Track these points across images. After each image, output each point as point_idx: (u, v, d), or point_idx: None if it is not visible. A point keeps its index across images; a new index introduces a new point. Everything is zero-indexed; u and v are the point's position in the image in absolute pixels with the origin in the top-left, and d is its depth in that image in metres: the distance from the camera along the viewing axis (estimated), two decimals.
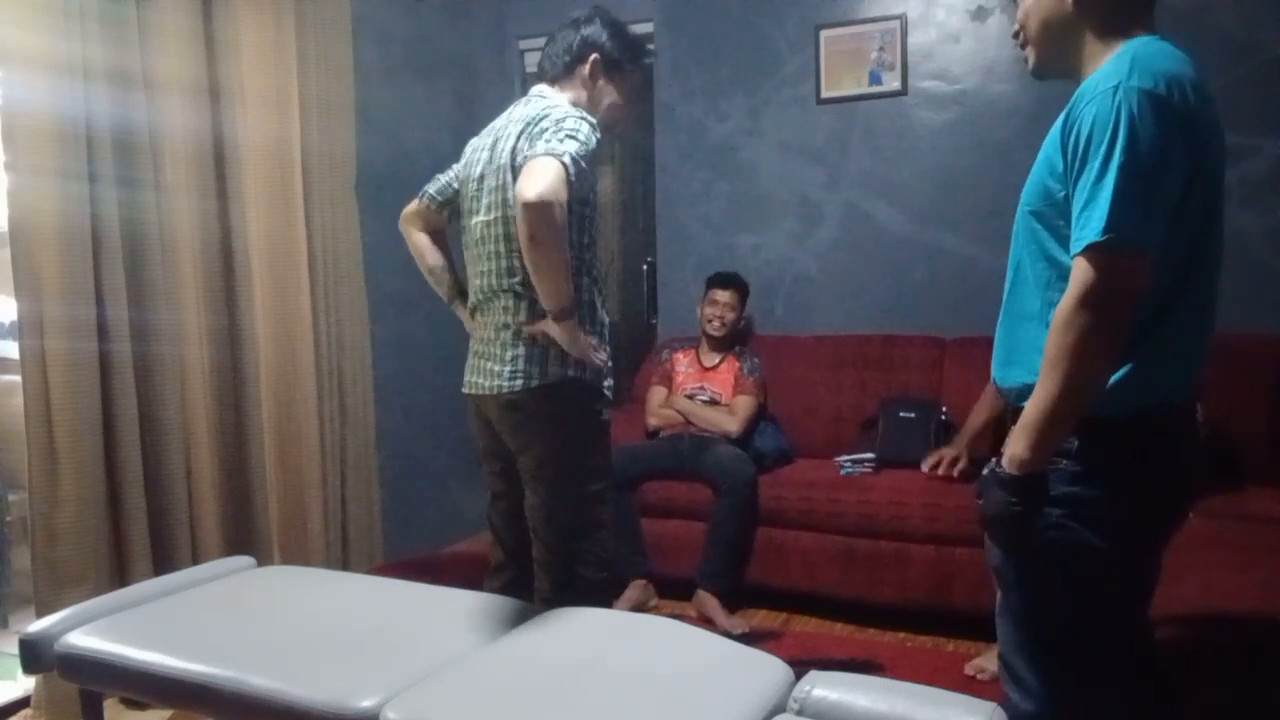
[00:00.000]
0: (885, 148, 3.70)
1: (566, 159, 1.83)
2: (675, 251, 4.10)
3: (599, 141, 1.96)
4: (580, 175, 1.87)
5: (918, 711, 1.40)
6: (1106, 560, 1.40)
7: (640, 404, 3.69)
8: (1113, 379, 1.34)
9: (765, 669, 1.61)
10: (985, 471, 1.47)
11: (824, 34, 3.73)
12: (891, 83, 3.66)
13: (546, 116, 1.94)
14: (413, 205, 2.27)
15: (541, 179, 1.79)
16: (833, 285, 3.83)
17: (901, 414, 3.33)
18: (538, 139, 1.89)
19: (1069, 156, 1.34)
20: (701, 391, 3.53)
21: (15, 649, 1.90)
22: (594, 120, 1.98)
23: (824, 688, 1.47)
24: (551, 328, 1.95)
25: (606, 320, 2.10)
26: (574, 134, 1.89)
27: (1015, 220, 1.50)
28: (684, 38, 3.98)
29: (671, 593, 3.26)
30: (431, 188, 2.25)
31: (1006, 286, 1.52)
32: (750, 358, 3.57)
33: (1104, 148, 1.27)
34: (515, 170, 1.97)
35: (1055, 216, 1.39)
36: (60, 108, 2.42)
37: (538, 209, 1.78)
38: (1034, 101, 3.35)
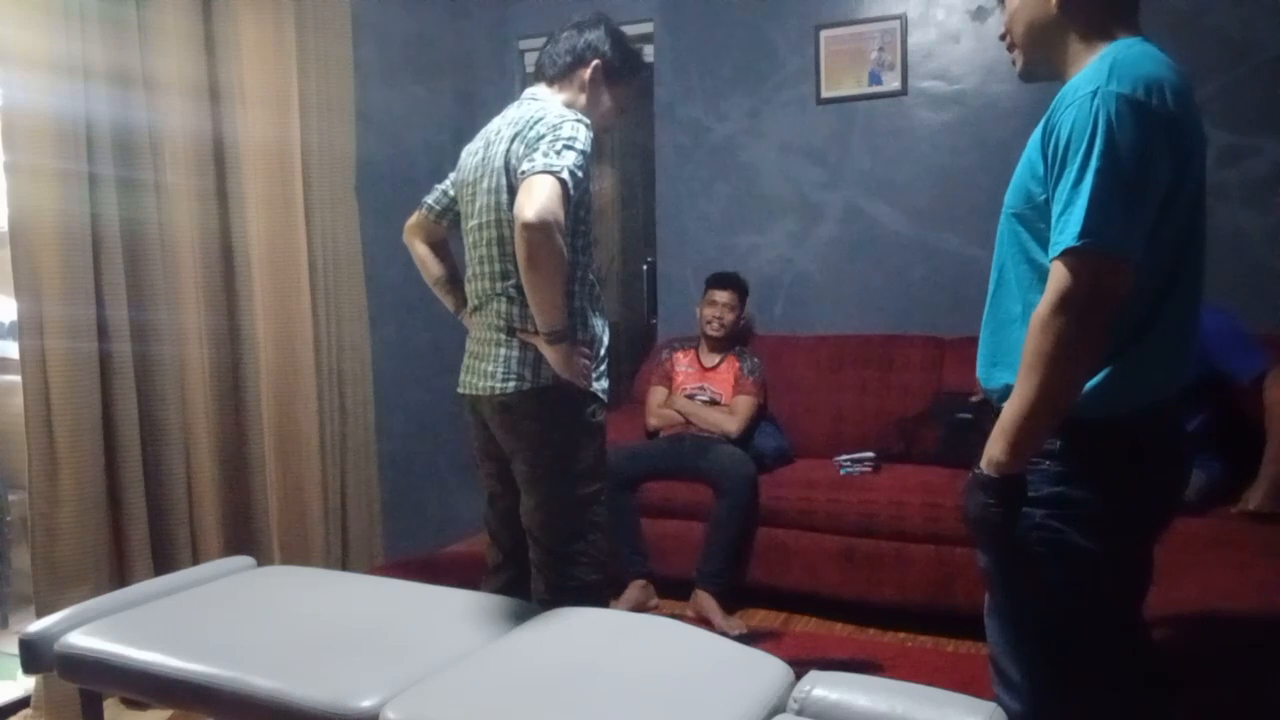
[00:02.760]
0: (885, 148, 3.70)
1: (565, 174, 1.82)
2: (675, 251, 4.10)
3: (591, 135, 1.95)
4: (578, 185, 1.86)
5: (918, 711, 1.40)
6: (1094, 560, 1.40)
7: (640, 404, 3.70)
8: (1098, 381, 1.35)
9: (765, 669, 1.61)
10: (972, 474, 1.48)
11: (824, 34, 3.73)
12: (891, 83, 3.66)
13: (541, 120, 1.93)
14: (413, 217, 2.27)
15: (540, 198, 1.78)
16: (833, 285, 3.83)
17: (959, 415, 3.21)
18: (535, 148, 1.88)
19: (1049, 160, 1.34)
20: (701, 391, 3.53)
21: (15, 649, 1.90)
22: (588, 121, 1.97)
23: (824, 688, 1.48)
24: (545, 348, 1.94)
25: (601, 327, 2.08)
26: (571, 143, 1.87)
27: (999, 222, 1.50)
28: (684, 38, 3.98)
29: (672, 593, 3.26)
30: (429, 198, 2.25)
31: (990, 288, 1.52)
32: (750, 358, 3.57)
33: (1082, 153, 1.27)
34: (509, 173, 1.96)
35: (1036, 219, 1.39)
36: (60, 108, 2.42)
37: (537, 230, 1.77)
38: (1034, 101, 3.35)
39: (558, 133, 1.89)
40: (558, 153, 1.85)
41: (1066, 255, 1.27)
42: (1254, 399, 2.55)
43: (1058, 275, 1.29)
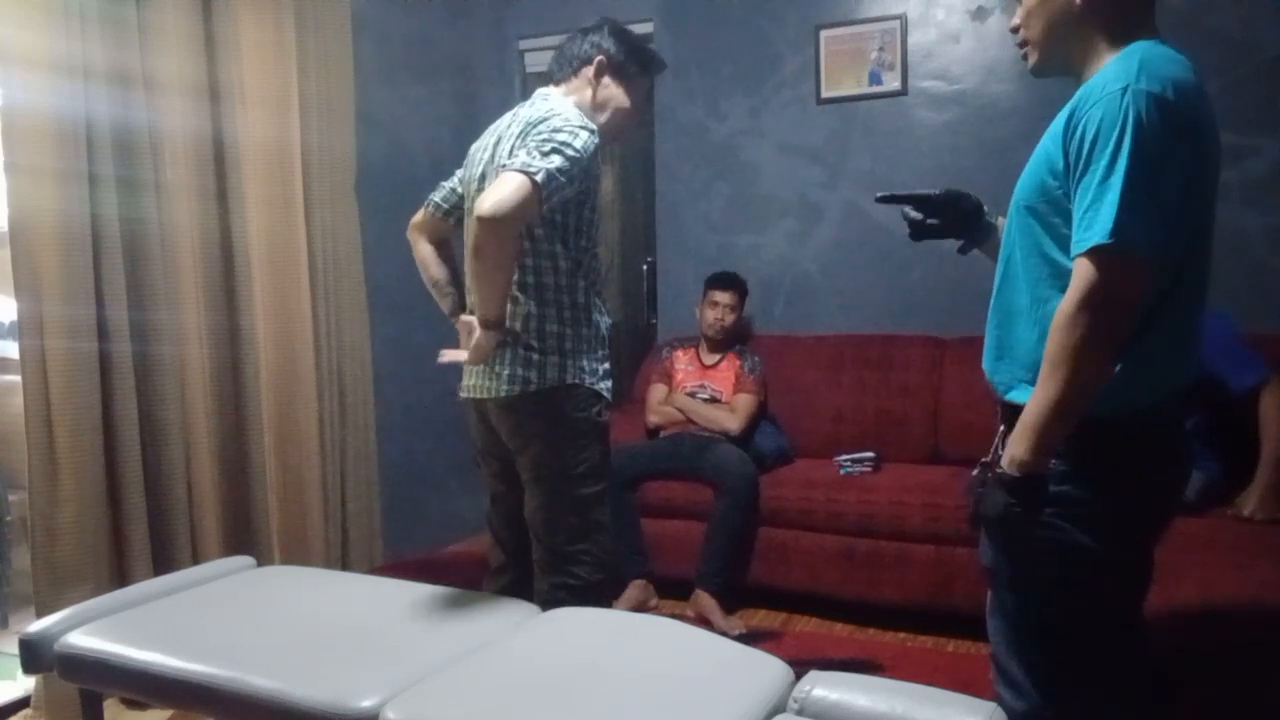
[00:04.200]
0: (885, 148, 3.70)
1: (540, 175, 1.80)
2: (675, 251, 4.10)
3: (597, 147, 1.95)
4: (559, 189, 1.85)
5: (918, 711, 1.40)
6: (1097, 559, 1.40)
7: (640, 404, 3.70)
8: None
9: (765, 669, 1.61)
10: (975, 472, 1.47)
11: (824, 34, 3.73)
12: (891, 83, 3.66)
13: (545, 121, 1.93)
14: (418, 215, 2.26)
15: (498, 193, 1.77)
16: (833, 285, 3.83)
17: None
18: (525, 147, 1.89)
19: (1071, 156, 1.34)
20: (702, 389, 3.53)
21: (15, 649, 1.90)
22: (593, 127, 1.97)
23: (824, 688, 1.47)
24: (475, 331, 1.94)
25: (604, 323, 2.10)
26: (562, 146, 1.86)
27: (1008, 215, 1.50)
28: (684, 38, 3.98)
29: (672, 593, 3.26)
30: (436, 195, 2.24)
31: (996, 281, 1.52)
32: (751, 356, 3.58)
33: (1110, 149, 1.27)
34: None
35: (1051, 214, 1.39)
36: (60, 108, 2.42)
37: (486, 224, 1.77)
38: (1034, 101, 3.35)
39: (554, 134, 1.88)
40: (543, 154, 1.84)
41: (1093, 253, 1.27)
42: (1249, 403, 2.56)
43: (1083, 272, 1.28)
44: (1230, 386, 2.54)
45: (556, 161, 1.84)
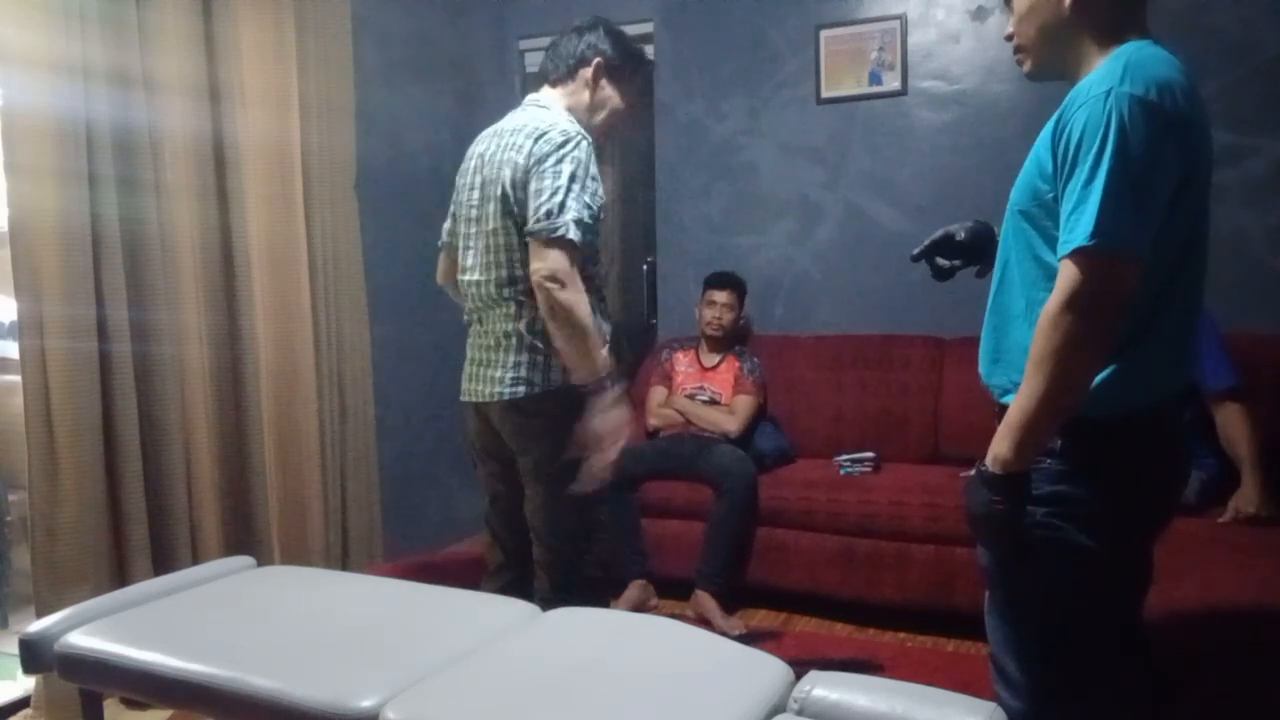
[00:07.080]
0: (885, 148, 3.70)
1: (572, 233, 1.88)
2: (675, 251, 4.10)
3: (593, 150, 1.98)
4: (588, 230, 1.92)
5: (918, 711, 1.40)
6: (1094, 559, 1.40)
7: (640, 404, 3.69)
8: (1100, 379, 1.35)
9: (765, 669, 1.60)
10: (972, 473, 1.47)
11: (824, 34, 3.73)
12: (891, 83, 3.66)
13: (545, 136, 1.95)
14: (441, 263, 2.30)
15: (547, 264, 1.88)
16: (833, 285, 3.83)
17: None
18: (540, 187, 1.92)
19: (1059, 159, 1.35)
20: (701, 391, 3.53)
21: (15, 649, 1.90)
22: (589, 137, 2.00)
23: (824, 688, 1.47)
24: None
25: (605, 326, 2.10)
26: (572, 181, 1.91)
27: (1004, 220, 1.51)
28: (684, 38, 3.98)
29: (672, 593, 3.26)
30: (445, 235, 2.27)
31: (993, 285, 1.53)
32: (750, 357, 3.58)
33: (1094, 152, 1.28)
34: (515, 182, 1.98)
35: (1043, 217, 1.40)
36: (60, 108, 2.42)
37: (549, 292, 1.87)
38: (1034, 101, 3.35)
39: (560, 161, 1.92)
40: (561, 194, 1.89)
41: (1077, 254, 1.28)
42: (1212, 405, 2.58)
43: (1067, 273, 1.29)
44: (1201, 383, 2.55)
45: (573, 211, 1.90)
